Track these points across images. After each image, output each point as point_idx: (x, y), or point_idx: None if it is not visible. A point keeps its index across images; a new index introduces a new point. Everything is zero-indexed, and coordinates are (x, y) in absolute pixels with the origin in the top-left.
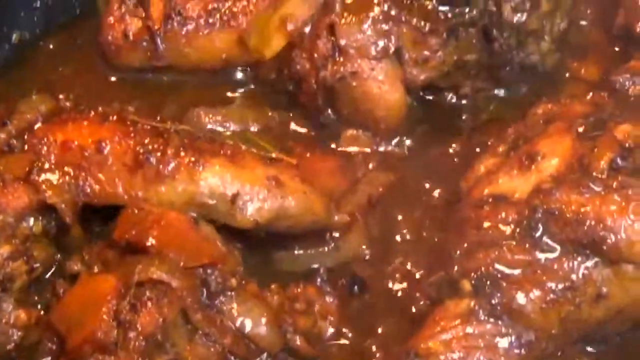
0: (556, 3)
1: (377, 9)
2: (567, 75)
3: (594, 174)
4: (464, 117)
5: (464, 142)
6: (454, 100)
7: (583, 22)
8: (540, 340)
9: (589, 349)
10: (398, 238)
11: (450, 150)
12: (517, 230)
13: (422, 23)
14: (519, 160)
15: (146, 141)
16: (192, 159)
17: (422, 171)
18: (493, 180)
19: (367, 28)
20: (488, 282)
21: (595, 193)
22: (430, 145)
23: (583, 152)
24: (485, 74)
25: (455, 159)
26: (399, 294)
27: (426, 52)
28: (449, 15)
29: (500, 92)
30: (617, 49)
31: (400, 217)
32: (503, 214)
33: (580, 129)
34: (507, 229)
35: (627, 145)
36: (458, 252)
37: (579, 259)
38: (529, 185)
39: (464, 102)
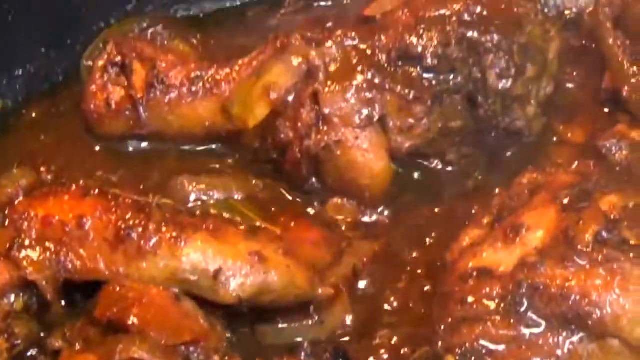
0: (542, 67)
1: (360, 77)
2: (554, 139)
3: (579, 247)
4: (450, 184)
5: (450, 209)
6: (439, 166)
7: (570, 85)
8: None
9: None
10: (384, 309)
11: (436, 218)
12: (502, 305)
13: (407, 91)
14: (503, 232)
15: (128, 216)
16: (174, 234)
17: (407, 240)
18: (477, 253)
19: (350, 96)
20: (473, 358)
21: (580, 267)
22: (415, 212)
23: (568, 225)
24: (471, 140)
25: (441, 227)
26: None
27: (411, 120)
28: (434, 82)
29: (487, 158)
30: (605, 110)
31: (385, 288)
32: (487, 289)
33: (566, 201)
34: (492, 304)
35: (612, 217)
36: (442, 327)
37: (564, 334)
38: (514, 258)
39: (449, 168)
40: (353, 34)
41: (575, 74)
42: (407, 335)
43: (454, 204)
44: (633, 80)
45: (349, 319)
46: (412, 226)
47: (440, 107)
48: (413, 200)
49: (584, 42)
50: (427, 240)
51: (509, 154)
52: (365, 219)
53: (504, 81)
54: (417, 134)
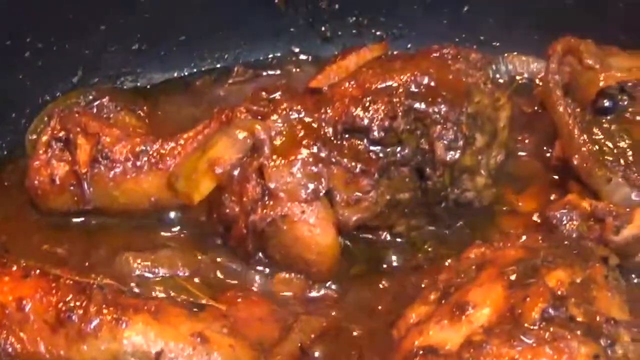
0: (492, 136)
1: (306, 151)
2: (504, 208)
3: (526, 325)
4: (399, 257)
5: (399, 283)
6: (388, 238)
7: (522, 153)
8: None
9: None
10: None
11: (385, 292)
12: None
13: (353, 164)
14: (450, 309)
15: (68, 298)
16: (115, 316)
17: (357, 315)
18: (424, 331)
19: (296, 170)
20: None
21: (526, 345)
22: (364, 286)
23: (514, 302)
24: (420, 212)
25: (390, 302)
26: None
27: (358, 193)
28: (381, 154)
29: (436, 229)
30: (556, 178)
31: None
32: None
33: (512, 277)
34: None
35: (559, 293)
36: None
37: None
38: (460, 337)
39: (399, 240)
40: (299, 106)
41: (527, 141)
42: None
43: (404, 277)
44: (583, 149)
45: None
46: (362, 300)
47: (388, 180)
48: (363, 273)
49: (536, 108)
50: (377, 314)
51: (459, 224)
52: (314, 294)
53: (452, 152)
54: (364, 207)
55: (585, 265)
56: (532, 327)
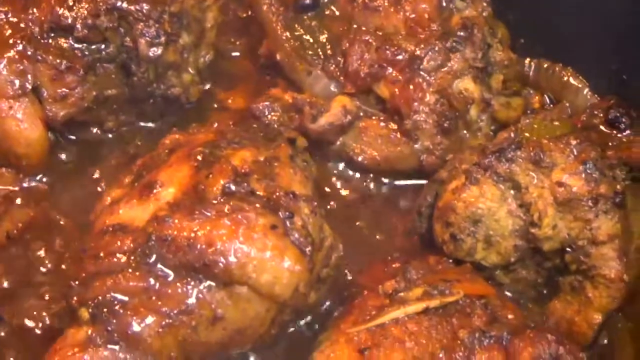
0: (198, 36)
1: (12, 51)
2: (214, 105)
3: (208, 200)
4: (110, 151)
5: (111, 175)
6: (99, 134)
7: (235, 54)
8: None
9: None
10: (39, 270)
11: (95, 184)
12: (132, 258)
13: (59, 61)
14: (139, 190)
15: None
16: None
17: (66, 206)
18: (115, 211)
19: (2, 68)
20: (105, 310)
21: (206, 218)
22: (74, 180)
23: (199, 179)
24: (129, 108)
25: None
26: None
27: (64, 89)
28: (86, 52)
29: (147, 125)
30: (267, 77)
31: (39, 250)
32: (119, 243)
33: (199, 157)
34: (123, 258)
35: (242, 171)
36: (77, 282)
37: (192, 283)
38: (147, 213)
39: (110, 135)
40: (6, 8)
41: (239, 43)
42: (58, 295)
43: (115, 170)
44: (286, 45)
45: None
46: (71, 193)
47: (95, 77)
48: (73, 168)
49: (250, 12)
50: (86, 205)
51: (171, 121)
52: (25, 185)
53: (154, 49)
54: (71, 102)
55: (271, 145)
56: (213, 202)
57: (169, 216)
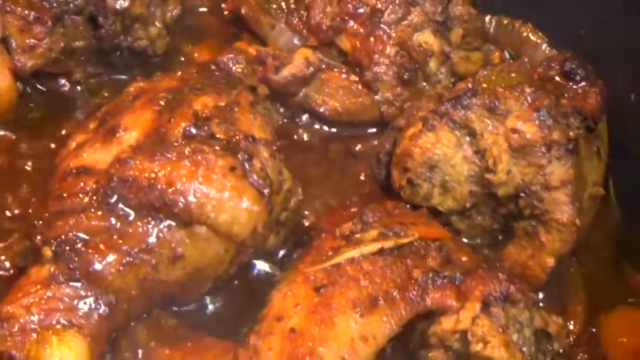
0: None
1: None
2: (181, 59)
3: (169, 142)
4: (77, 102)
5: (79, 126)
6: (67, 86)
7: (203, 9)
8: (121, 302)
9: (175, 308)
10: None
11: (59, 131)
12: (94, 198)
13: (27, 12)
14: (103, 134)
15: None
16: None
17: (34, 153)
18: (79, 154)
19: None
20: (67, 248)
21: (167, 159)
22: (42, 130)
23: (161, 123)
24: (96, 60)
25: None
26: None
27: (33, 40)
28: (54, 4)
29: (115, 77)
30: (233, 30)
31: (6, 196)
32: (82, 184)
33: (162, 102)
34: (86, 198)
35: (203, 115)
36: (40, 221)
37: (153, 222)
38: (110, 156)
39: (78, 88)
40: None
41: None
42: (23, 236)
43: (84, 122)
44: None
45: None
46: (38, 140)
47: (63, 28)
48: (43, 118)
49: None
50: (51, 152)
51: (136, 73)
52: None
53: (120, 1)
54: (39, 53)
55: (232, 91)
56: (174, 144)
57: (131, 158)
